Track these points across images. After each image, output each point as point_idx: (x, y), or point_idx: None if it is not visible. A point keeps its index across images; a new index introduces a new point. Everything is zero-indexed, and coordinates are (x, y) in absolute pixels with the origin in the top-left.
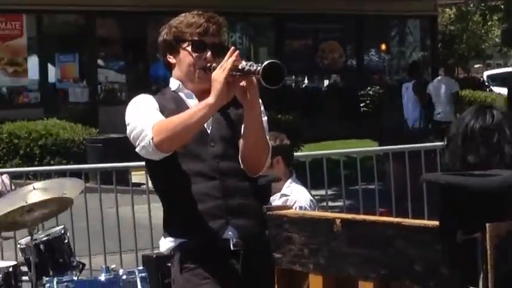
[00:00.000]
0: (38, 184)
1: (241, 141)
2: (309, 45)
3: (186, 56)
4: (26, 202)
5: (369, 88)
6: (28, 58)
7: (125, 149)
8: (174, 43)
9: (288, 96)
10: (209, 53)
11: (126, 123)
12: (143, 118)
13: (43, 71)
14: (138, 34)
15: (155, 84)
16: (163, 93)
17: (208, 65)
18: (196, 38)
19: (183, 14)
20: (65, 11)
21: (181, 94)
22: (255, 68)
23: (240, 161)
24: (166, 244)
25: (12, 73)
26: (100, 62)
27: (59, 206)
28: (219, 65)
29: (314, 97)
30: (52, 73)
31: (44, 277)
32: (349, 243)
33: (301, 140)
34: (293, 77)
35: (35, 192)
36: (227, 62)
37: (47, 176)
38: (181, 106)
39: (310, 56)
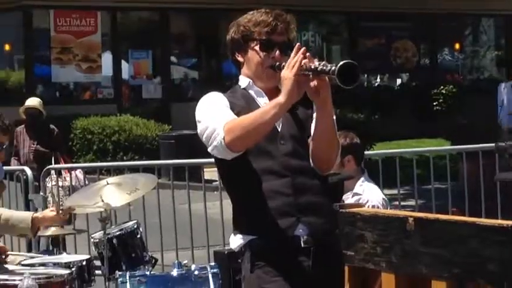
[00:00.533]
0: (112, 179)
1: (311, 140)
2: (381, 44)
3: (254, 55)
4: (101, 197)
5: (442, 87)
6: (102, 54)
7: (197, 145)
8: (242, 42)
9: (360, 95)
10: (277, 52)
11: (197, 121)
12: (214, 117)
13: (117, 68)
14: (211, 31)
15: (228, 81)
16: (234, 91)
17: (277, 63)
18: (264, 37)
19: (251, 12)
20: (139, 7)
21: (251, 92)
22: (329, 67)
23: (310, 159)
24: (236, 241)
25: (86, 69)
26: (173, 58)
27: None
28: (287, 64)
29: (386, 96)
30: (125, 69)
31: (116, 271)
32: (422, 242)
33: (373, 138)
34: (365, 75)
35: (109, 187)
36: (295, 60)
37: (119, 171)
38: (251, 104)
39: (383, 55)
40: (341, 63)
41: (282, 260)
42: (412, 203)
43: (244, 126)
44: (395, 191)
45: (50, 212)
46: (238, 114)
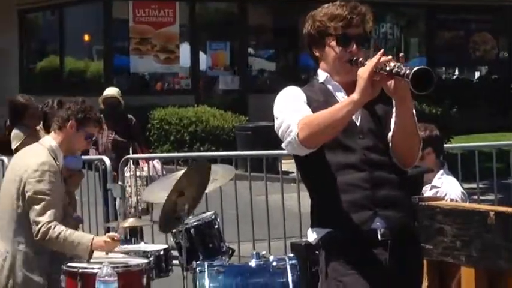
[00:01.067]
0: None
1: (391, 135)
2: (460, 37)
3: (330, 51)
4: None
5: None
6: (180, 45)
7: (274, 137)
8: (318, 37)
9: (438, 88)
10: (354, 46)
11: (274, 117)
12: (290, 113)
13: (194, 59)
14: (289, 22)
15: (304, 73)
16: (312, 85)
17: (354, 58)
18: (339, 32)
19: (326, 6)
20: None
21: (329, 86)
22: (403, 71)
23: (392, 155)
24: (313, 234)
25: (164, 60)
26: (251, 50)
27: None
28: (366, 62)
29: (465, 89)
30: (203, 60)
31: (194, 261)
32: (502, 236)
33: (451, 132)
34: (444, 68)
35: None
36: (372, 60)
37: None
38: (329, 99)
39: (462, 48)
40: (415, 68)
41: (358, 252)
42: (491, 197)
43: (318, 123)
44: (474, 185)
45: (106, 239)
46: (315, 109)
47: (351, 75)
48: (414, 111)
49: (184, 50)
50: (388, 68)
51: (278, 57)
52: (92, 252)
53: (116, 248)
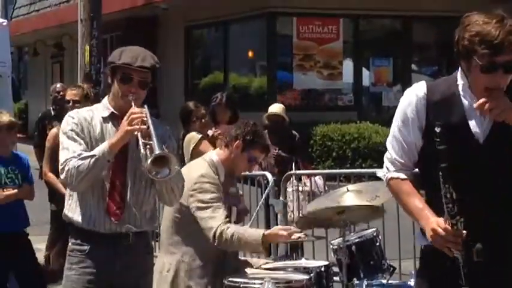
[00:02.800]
0: (352, 186)
1: None
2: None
3: (476, 76)
4: (339, 203)
5: None
6: (343, 61)
7: None
8: (465, 55)
9: None
10: (500, 73)
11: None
12: (396, 144)
13: (357, 75)
14: (453, 39)
15: None
16: (449, 88)
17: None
18: (486, 60)
19: (480, 21)
20: (382, 15)
21: (463, 98)
22: None
23: None
24: None
25: (327, 76)
26: (414, 66)
27: (371, 211)
28: None
29: None
30: (366, 77)
31: (354, 279)
32: None
33: None
34: None
35: (349, 195)
36: None
37: (359, 178)
38: (453, 117)
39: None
40: None
41: None
42: None
43: (396, 198)
44: None
45: (280, 231)
46: (433, 118)
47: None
48: None
49: (347, 66)
50: None
51: (441, 73)
52: (268, 245)
53: (290, 239)
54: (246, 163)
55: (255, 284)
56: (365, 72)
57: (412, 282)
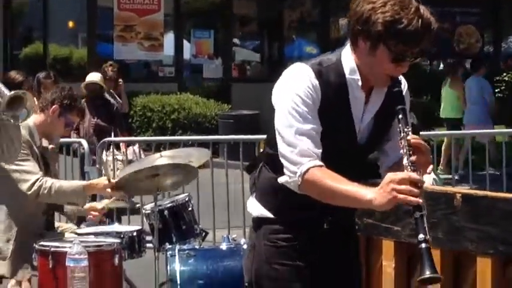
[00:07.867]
0: (166, 152)
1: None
2: (445, 29)
3: (382, 61)
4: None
5: (504, 74)
6: (164, 33)
7: (255, 125)
8: (374, 38)
9: (422, 80)
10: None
11: (275, 105)
12: (299, 141)
13: (178, 47)
14: (274, 13)
15: (289, 65)
16: (328, 69)
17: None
18: (400, 51)
19: (396, 6)
20: None
21: (349, 80)
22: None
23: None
24: None
25: (148, 47)
26: (236, 40)
27: (184, 174)
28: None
29: None
30: (187, 49)
31: (166, 243)
32: (469, 218)
33: (435, 123)
34: (428, 61)
35: (163, 159)
36: (403, 188)
37: (175, 147)
38: (341, 101)
39: (447, 40)
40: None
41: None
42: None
43: (323, 191)
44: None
45: (102, 180)
46: (321, 111)
47: (386, 85)
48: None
49: (168, 37)
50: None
51: (263, 47)
52: (86, 196)
53: (109, 189)
54: (62, 128)
55: (65, 247)
56: (186, 44)
57: (224, 246)
